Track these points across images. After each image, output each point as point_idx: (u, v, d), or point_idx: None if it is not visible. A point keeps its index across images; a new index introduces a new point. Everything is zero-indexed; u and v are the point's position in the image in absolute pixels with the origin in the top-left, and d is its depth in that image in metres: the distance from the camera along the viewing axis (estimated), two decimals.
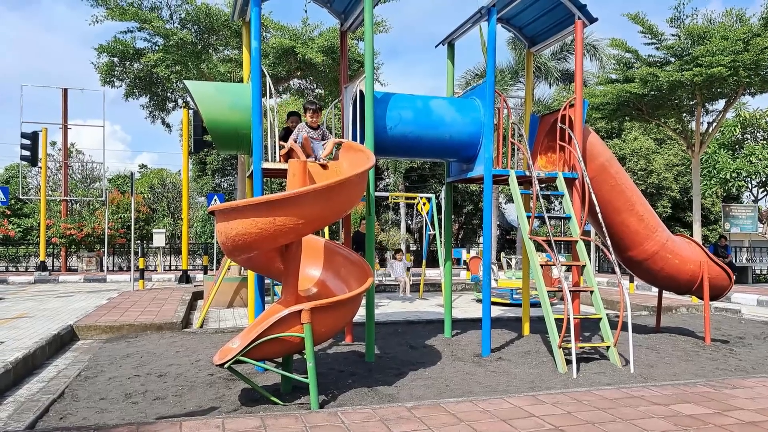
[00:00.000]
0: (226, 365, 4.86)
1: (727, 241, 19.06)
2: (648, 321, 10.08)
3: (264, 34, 14.07)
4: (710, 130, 17.95)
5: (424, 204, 15.62)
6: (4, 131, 73.90)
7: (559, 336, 6.42)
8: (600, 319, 6.81)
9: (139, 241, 22.07)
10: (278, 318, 4.82)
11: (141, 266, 15.26)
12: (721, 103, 17.55)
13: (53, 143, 32.64)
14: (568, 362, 6.33)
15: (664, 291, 9.04)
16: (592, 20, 7.53)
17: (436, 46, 8.55)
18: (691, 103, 16.97)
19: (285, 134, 7.04)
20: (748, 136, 27.73)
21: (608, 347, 6.75)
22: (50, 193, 28.83)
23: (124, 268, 22.64)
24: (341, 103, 7.88)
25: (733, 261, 19.55)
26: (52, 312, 10.74)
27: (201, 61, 13.76)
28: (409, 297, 14.10)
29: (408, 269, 14.18)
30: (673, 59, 15.91)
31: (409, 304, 13.00)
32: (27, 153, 19.24)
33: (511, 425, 4.19)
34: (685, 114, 17.78)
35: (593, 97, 17.14)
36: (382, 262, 26.08)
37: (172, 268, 23.50)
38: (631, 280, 15.01)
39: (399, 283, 13.90)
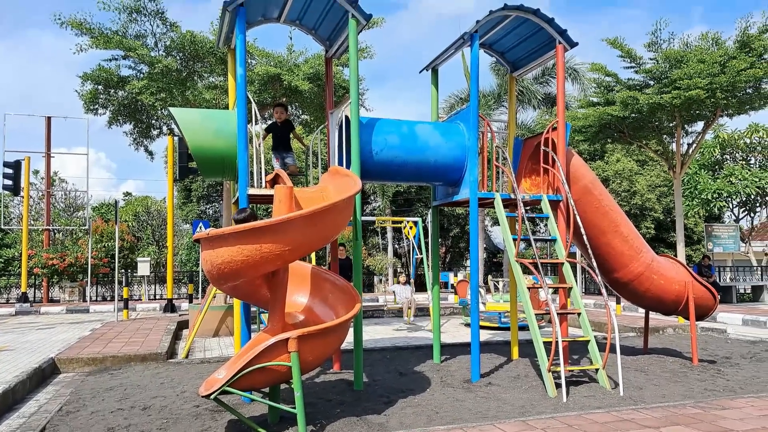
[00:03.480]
0: (212, 396, 4.76)
1: (710, 261, 19.29)
2: (636, 342, 10.09)
3: (249, 61, 14.16)
4: (690, 151, 18.27)
5: (410, 228, 15.63)
6: None
7: (548, 359, 6.39)
8: (588, 341, 6.80)
9: (123, 270, 21.75)
10: (265, 347, 4.75)
11: (125, 296, 15.03)
12: (700, 125, 17.91)
13: (36, 172, 32.34)
14: (558, 386, 6.29)
15: (650, 312, 9.07)
16: (573, 45, 7.67)
17: (420, 72, 8.65)
18: (671, 124, 17.30)
19: (269, 128, 7.46)
20: (728, 157, 28.25)
21: (597, 370, 6.73)
22: (32, 222, 28.44)
23: (108, 298, 22.28)
24: (327, 129, 7.91)
25: (717, 281, 19.74)
26: (33, 344, 10.50)
27: (186, 88, 13.78)
28: (408, 320, 13.76)
29: (412, 291, 13.98)
30: (652, 82, 16.25)
31: (396, 328, 12.90)
32: (9, 182, 19.03)
33: None
34: (665, 135, 18.11)
35: (575, 120, 17.40)
36: (370, 287, 25.94)
37: (157, 297, 23.17)
38: (618, 302, 15.06)
39: (403, 306, 13.55)
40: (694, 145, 18.32)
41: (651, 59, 16.34)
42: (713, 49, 15.49)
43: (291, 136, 7.57)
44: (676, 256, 16.64)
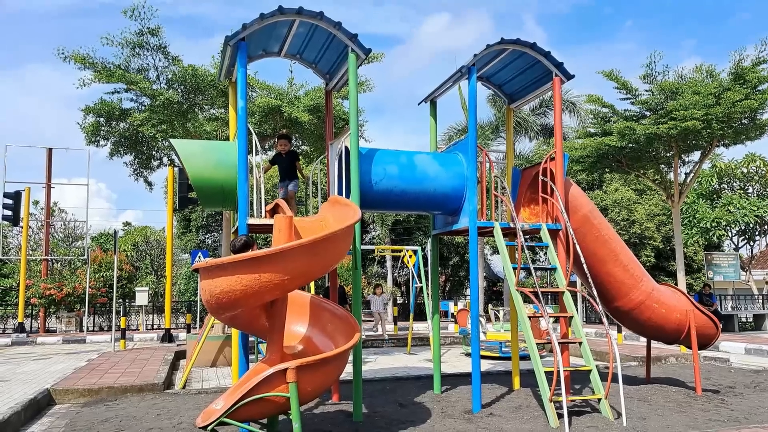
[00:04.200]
0: (209, 428, 4.70)
1: (711, 290, 19.23)
2: (638, 372, 9.99)
3: (250, 93, 14.34)
4: (688, 181, 18.37)
5: (410, 256, 15.62)
6: None
7: (550, 389, 6.33)
8: (590, 371, 6.74)
9: (120, 300, 21.65)
10: (263, 377, 4.71)
11: (122, 326, 14.91)
12: (697, 155, 18.05)
13: (36, 202, 32.43)
14: (560, 416, 6.22)
15: (652, 341, 9.01)
16: (569, 77, 7.79)
17: (419, 104, 8.78)
18: (668, 154, 17.43)
19: (274, 160, 7.59)
20: (725, 186, 28.40)
21: (599, 400, 6.66)
22: (31, 252, 28.39)
23: (105, 328, 22.09)
24: (327, 159, 7.98)
25: (719, 309, 19.63)
26: (28, 375, 10.38)
27: (187, 120, 13.92)
28: (383, 335, 13.69)
29: (386, 305, 13.89)
30: (648, 113, 16.44)
31: (396, 357, 12.78)
32: (9, 213, 19.08)
33: None
34: (663, 165, 18.23)
35: (573, 150, 17.54)
36: (370, 316, 25.79)
37: (155, 326, 22.98)
38: (619, 331, 14.95)
39: (374, 319, 13.53)
40: (692, 174, 18.44)
41: (647, 91, 16.56)
42: (708, 81, 15.71)
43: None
44: (676, 284, 16.59)
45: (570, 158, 17.37)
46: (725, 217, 25.17)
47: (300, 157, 7.78)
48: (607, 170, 19.37)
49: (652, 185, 20.45)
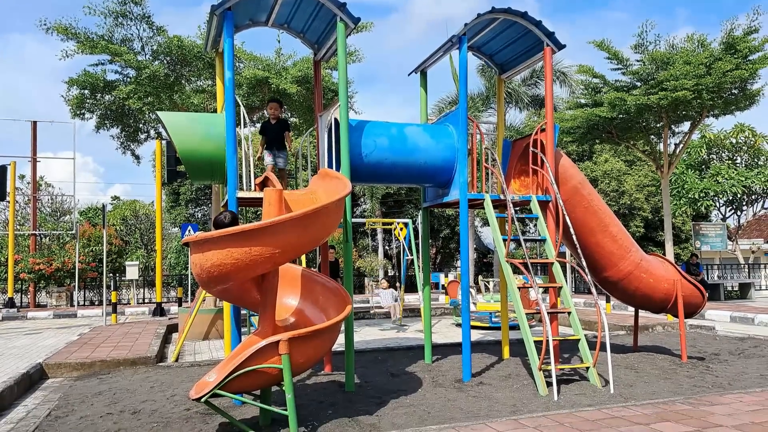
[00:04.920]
0: (202, 399, 4.74)
1: (698, 259, 19.48)
2: (626, 340, 10.17)
3: (237, 64, 14.12)
4: (677, 152, 18.44)
5: (401, 229, 15.64)
6: None
7: (539, 358, 6.43)
8: (578, 340, 6.84)
9: (111, 274, 21.59)
10: (255, 350, 4.73)
11: (113, 300, 14.90)
12: (686, 125, 18.10)
13: (22, 177, 32.05)
14: (549, 384, 6.32)
15: (640, 310, 9.15)
16: (561, 47, 7.72)
17: (409, 74, 8.68)
18: (658, 125, 17.46)
19: (263, 127, 7.22)
20: (714, 157, 28.56)
21: (588, 368, 6.77)
22: (18, 227, 28.16)
23: (96, 303, 22.09)
24: (316, 131, 7.91)
25: (705, 279, 19.92)
26: (20, 350, 10.39)
27: (174, 93, 13.71)
28: (398, 322, 13.92)
29: (396, 299, 14.12)
30: (639, 84, 16.39)
31: (389, 331, 12.90)
32: None
33: None
34: (652, 136, 18.27)
35: (564, 122, 17.51)
36: (360, 289, 25.95)
37: (146, 301, 23.00)
38: (608, 300, 15.16)
39: (389, 310, 13.78)
40: (681, 145, 18.50)
41: (638, 61, 16.49)
42: (699, 51, 15.66)
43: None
44: (664, 254, 16.78)
45: (560, 129, 17.35)
46: (713, 187, 25.38)
47: (290, 128, 7.49)
48: (597, 141, 19.40)
49: (641, 156, 20.51)
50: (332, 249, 12.86)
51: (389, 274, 28.22)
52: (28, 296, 21.64)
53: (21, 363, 8.69)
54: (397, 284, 16.12)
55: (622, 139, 18.17)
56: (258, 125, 7.92)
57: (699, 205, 26.35)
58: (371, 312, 15.09)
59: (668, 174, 18.16)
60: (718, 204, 28.68)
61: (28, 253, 22.38)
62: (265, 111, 15.50)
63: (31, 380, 7.60)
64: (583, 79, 17.96)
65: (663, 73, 15.37)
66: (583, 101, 18.08)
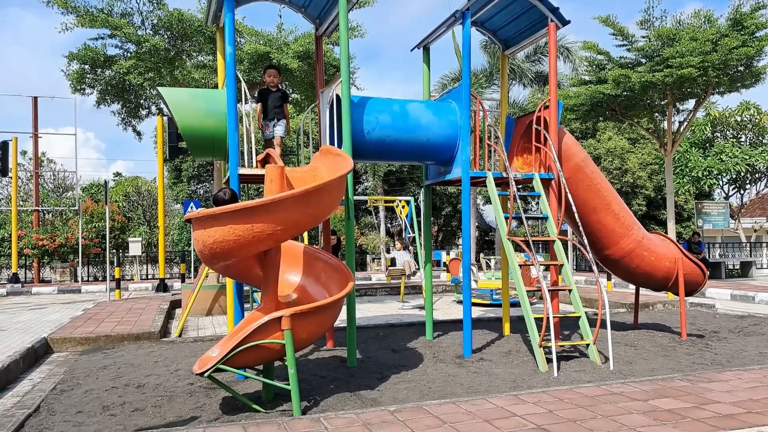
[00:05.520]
0: (206, 374, 4.80)
1: (700, 238, 19.47)
2: (626, 318, 10.23)
3: (238, 39, 13.98)
4: (681, 129, 18.32)
5: (403, 207, 15.65)
6: None
7: (539, 335, 6.47)
8: (579, 317, 6.88)
9: (114, 251, 21.70)
10: (258, 325, 4.77)
11: (117, 276, 15.01)
12: (691, 103, 17.95)
13: (24, 153, 32.01)
14: (549, 361, 6.38)
15: (640, 288, 9.18)
16: (565, 22, 7.62)
17: (411, 50, 8.59)
18: (663, 102, 17.31)
19: (261, 94, 6.88)
20: (718, 135, 28.37)
21: (588, 345, 6.82)
22: (21, 203, 28.21)
23: (100, 278, 22.25)
24: (318, 108, 7.86)
25: (707, 257, 19.96)
26: (25, 325, 10.50)
27: (174, 68, 13.60)
28: (417, 275, 14.38)
29: (410, 256, 14.49)
30: (644, 60, 16.21)
31: (389, 305, 12.99)
32: None
33: (494, 425, 4.21)
34: (657, 114, 18.13)
35: (567, 99, 17.37)
36: (362, 266, 26.06)
37: (149, 277, 23.16)
38: (609, 278, 15.22)
39: (404, 268, 14.13)
40: (686, 123, 18.37)
41: (643, 37, 16.29)
42: (705, 27, 15.46)
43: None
44: (666, 233, 16.79)
45: (564, 106, 17.23)
46: (717, 165, 25.25)
47: (289, 101, 7.22)
48: (600, 119, 19.27)
49: (645, 134, 20.39)
50: (334, 235, 12.95)
51: (396, 238, 28.39)
52: (33, 272, 21.79)
53: (26, 337, 8.79)
54: (410, 247, 16.36)
55: (625, 116, 18.04)
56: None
57: (702, 183, 26.26)
58: (385, 275, 15.36)
59: (672, 152, 18.06)
60: (721, 182, 28.57)
61: (31, 228, 22.47)
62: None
63: (37, 355, 7.69)
64: (588, 55, 17.78)
65: (669, 49, 15.19)
66: (587, 78, 17.92)
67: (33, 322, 10.93)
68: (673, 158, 20.82)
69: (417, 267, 14.20)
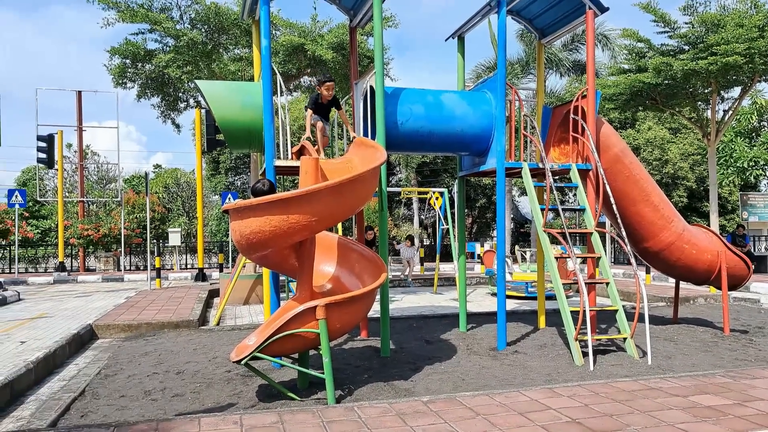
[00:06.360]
0: (242, 362, 4.90)
1: (745, 231, 18.83)
2: (665, 312, 10.00)
3: (273, 32, 14.12)
4: (726, 119, 17.71)
5: (436, 198, 15.60)
6: (21, 135, 74.91)
7: (575, 328, 6.39)
8: (616, 311, 6.77)
9: (155, 241, 22.28)
10: (293, 314, 4.85)
11: (157, 265, 15.41)
12: (736, 91, 17.33)
13: (69, 145, 33.04)
14: (585, 355, 6.30)
15: (681, 282, 8.96)
16: (603, 10, 7.45)
17: (446, 40, 8.53)
18: (706, 91, 16.76)
19: (315, 102, 6.70)
20: (765, 124, 27.32)
21: (625, 339, 6.71)
22: (67, 194, 29.19)
23: (141, 268, 22.87)
24: (352, 100, 7.89)
25: (752, 250, 19.30)
26: (71, 312, 10.89)
27: (212, 61, 13.84)
28: (409, 281, 14.79)
29: (416, 251, 14.79)
30: (687, 47, 15.71)
31: (422, 297, 13.00)
32: (43, 155, 19.48)
33: (528, 418, 4.19)
34: (700, 102, 17.56)
35: (606, 88, 16.98)
36: (397, 258, 26.23)
37: (188, 266, 23.71)
38: (648, 271, 14.88)
39: (403, 263, 14.60)
40: (730, 111, 17.74)
41: (686, 23, 15.77)
42: (752, 13, 14.87)
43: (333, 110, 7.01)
44: (708, 225, 16.31)
45: (602, 96, 16.84)
46: (764, 155, 24.35)
47: (340, 105, 6.97)
48: (640, 108, 18.76)
49: (687, 123, 19.79)
50: (370, 230, 13.13)
51: (424, 244, 28.40)
52: (78, 261, 22.55)
53: (72, 324, 9.11)
54: (426, 252, 16.85)
55: (666, 106, 17.53)
56: (294, 94, 7.80)
57: (747, 174, 25.36)
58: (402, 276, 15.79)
59: (715, 142, 17.49)
60: (767, 173, 27.54)
61: (76, 219, 23.24)
62: (301, 79, 15.50)
63: (82, 340, 7.98)
64: (627, 43, 17.30)
65: (713, 36, 14.67)
66: (626, 67, 17.45)
67: (79, 309, 11.32)
68: (717, 148, 20.15)
69: (411, 269, 14.85)
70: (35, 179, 28.69)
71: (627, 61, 17.59)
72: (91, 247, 22.32)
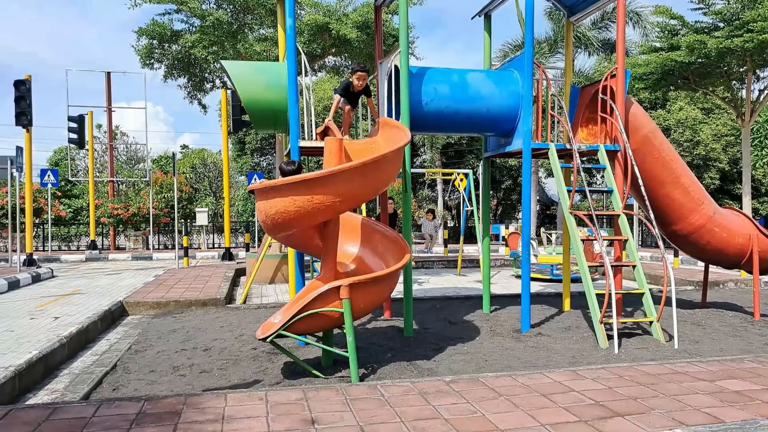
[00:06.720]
0: (268, 339, 4.99)
1: None
2: (694, 296, 9.85)
3: (298, 11, 14.06)
4: (762, 98, 17.15)
5: (461, 180, 15.50)
6: (52, 115, 76.40)
7: (601, 311, 6.34)
8: (643, 294, 6.68)
9: (182, 220, 22.64)
10: (318, 293, 4.90)
11: (185, 244, 15.67)
12: None
13: (99, 126, 33.58)
14: (610, 337, 6.25)
15: (710, 265, 8.79)
16: None
17: (472, 18, 8.40)
18: (741, 70, 16.23)
19: (345, 89, 6.57)
20: None
21: (651, 322, 6.63)
22: (97, 174, 29.76)
23: (169, 246, 23.30)
24: (376, 79, 7.84)
25: None
26: (103, 289, 11.17)
27: (237, 41, 13.87)
28: (430, 252, 14.87)
29: (437, 228, 14.71)
30: (722, 25, 15.20)
31: (446, 278, 13.01)
32: (74, 136, 19.83)
33: (551, 400, 4.19)
34: (734, 82, 17.03)
35: (636, 67, 16.56)
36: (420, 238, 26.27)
37: (215, 246, 24.06)
38: (676, 255, 14.63)
39: (425, 236, 14.61)
40: (766, 91, 17.18)
41: (722, 0, 15.25)
42: None
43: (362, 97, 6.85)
44: (741, 208, 15.91)
45: (632, 75, 16.43)
46: None
47: (371, 93, 6.81)
48: (672, 88, 18.26)
49: (721, 103, 19.25)
50: (391, 200, 13.06)
51: (448, 225, 28.33)
52: (109, 239, 23.06)
53: (104, 300, 9.36)
54: (450, 234, 16.77)
55: (699, 85, 17.03)
56: (319, 74, 7.77)
57: None
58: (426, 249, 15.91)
59: (750, 122, 16.98)
60: None
61: (107, 198, 23.71)
62: (326, 59, 15.44)
63: (113, 317, 8.20)
64: (659, 20, 16.80)
65: (750, 12, 14.15)
66: (658, 45, 16.98)
67: (110, 286, 11.61)
68: (752, 129, 19.58)
69: (433, 243, 14.81)
70: (67, 159, 29.29)
71: (659, 39, 17.11)
72: (120, 226, 22.80)
